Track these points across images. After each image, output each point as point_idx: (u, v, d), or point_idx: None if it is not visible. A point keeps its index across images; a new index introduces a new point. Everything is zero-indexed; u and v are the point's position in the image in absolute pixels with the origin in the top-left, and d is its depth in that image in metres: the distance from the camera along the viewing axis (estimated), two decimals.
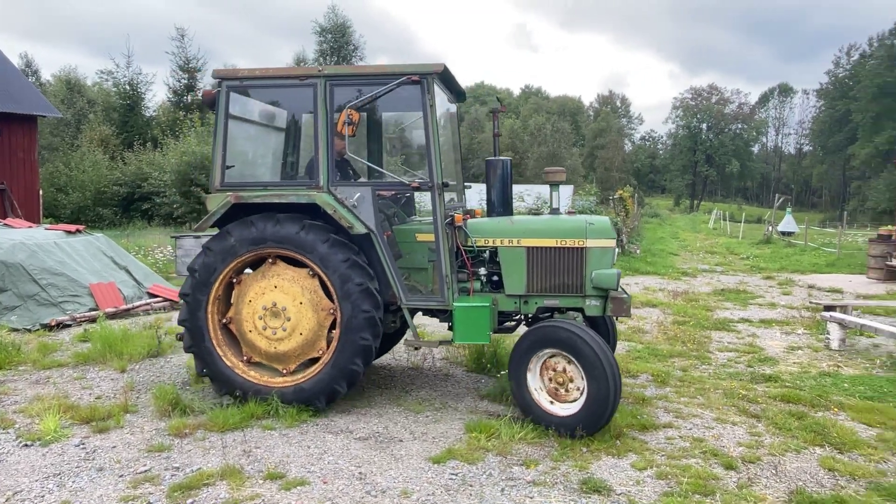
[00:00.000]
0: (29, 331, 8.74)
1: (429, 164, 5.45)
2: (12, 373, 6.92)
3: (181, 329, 5.90)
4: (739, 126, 74.82)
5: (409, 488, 4.30)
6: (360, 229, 5.46)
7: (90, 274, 10.07)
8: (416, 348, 7.19)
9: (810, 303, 11.22)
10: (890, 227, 17.67)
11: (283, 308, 5.60)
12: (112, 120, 39.61)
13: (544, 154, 52.98)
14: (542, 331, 5.22)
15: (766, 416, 5.66)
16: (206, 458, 4.76)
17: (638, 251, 20.08)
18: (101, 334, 7.71)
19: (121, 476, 4.45)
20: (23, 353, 7.48)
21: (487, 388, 6.49)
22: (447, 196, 5.94)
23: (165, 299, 10.68)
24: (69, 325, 9.11)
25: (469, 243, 5.77)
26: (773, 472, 4.58)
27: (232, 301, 5.84)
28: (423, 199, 6.11)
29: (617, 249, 5.67)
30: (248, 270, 5.92)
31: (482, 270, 5.87)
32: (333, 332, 5.61)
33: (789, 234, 27.70)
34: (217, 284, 5.70)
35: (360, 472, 4.54)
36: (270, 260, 5.67)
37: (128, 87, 39.82)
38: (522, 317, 6.13)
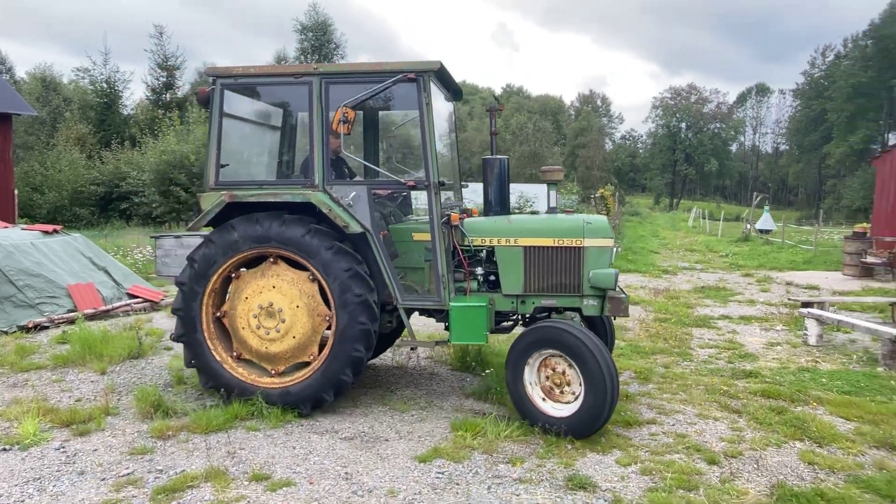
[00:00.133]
0: (6, 333, 8.58)
1: (425, 162, 5.40)
2: None
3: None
4: (718, 125, 75.73)
5: (396, 487, 4.29)
6: (355, 228, 5.41)
7: (68, 275, 9.92)
8: (412, 348, 7.14)
9: (788, 299, 11.40)
10: (864, 224, 18.02)
11: (280, 309, 5.55)
12: (89, 118, 39.01)
13: (526, 153, 53.11)
14: (549, 332, 5.12)
15: (747, 412, 5.74)
16: (190, 459, 4.71)
17: (619, 249, 20.25)
18: (81, 336, 7.61)
19: (103, 479, 4.39)
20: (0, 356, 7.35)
21: (472, 386, 6.51)
22: (444, 195, 5.90)
23: (145, 300, 10.55)
24: (47, 327, 8.96)
25: (466, 242, 5.73)
26: (755, 466, 4.66)
27: (228, 295, 5.77)
28: (420, 198, 6.06)
29: (615, 248, 5.66)
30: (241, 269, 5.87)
31: (479, 270, 5.82)
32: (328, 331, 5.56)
33: (767, 231, 28.10)
34: (215, 277, 5.64)
35: (346, 472, 4.53)
36: (272, 259, 5.61)
37: (105, 85, 39.25)
38: (519, 317, 6.09)
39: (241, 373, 5.69)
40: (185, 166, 26.30)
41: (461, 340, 5.49)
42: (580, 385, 5.02)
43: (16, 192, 22.10)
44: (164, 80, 39.83)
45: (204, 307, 5.68)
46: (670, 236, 30.79)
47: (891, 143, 29.31)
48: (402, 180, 5.60)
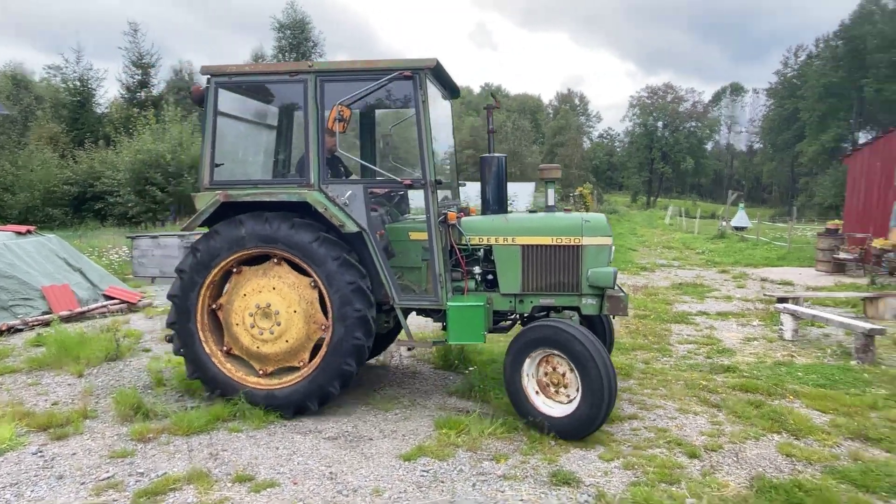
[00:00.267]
0: None
1: (421, 161, 5.33)
2: None
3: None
4: (693, 124, 76.62)
5: (381, 486, 4.29)
6: (351, 228, 5.35)
7: (42, 276, 9.74)
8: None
9: (764, 295, 11.59)
10: (837, 221, 18.40)
11: (276, 312, 5.49)
12: (61, 117, 38.32)
13: (505, 152, 53.30)
14: (561, 335, 4.99)
15: (726, 406, 5.83)
16: (172, 462, 4.66)
17: None
18: (56, 338, 7.48)
19: (82, 483, 4.33)
20: None
21: (455, 384, 6.52)
22: (441, 194, 5.85)
23: (122, 301, 10.40)
24: (21, 330, 8.79)
25: (463, 241, 5.69)
26: (735, 459, 4.73)
27: (226, 289, 5.71)
28: (418, 197, 5.97)
29: (613, 247, 5.62)
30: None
31: (477, 269, 5.77)
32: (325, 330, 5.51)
33: (742, 229, 28.52)
34: (217, 270, 5.56)
35: (330, 472, 4.51)
36: (275, 260, 5.55)
37: (78, 83, 38.61)
38: (518, 316, 6.05)
39: (229, 368, 5.63)
40: (160, 165, 26.00)
41: (459, 340, 5.42)
42: (577, 391, 5.00)
43: None
44: (139, 77, 39.33)
45: (201, 298, 5.61)
46: (648, 234, 31.10)
47: (861, 141, 29.93)
48: (399, 179, 5.52)
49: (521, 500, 4.11)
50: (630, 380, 6.67)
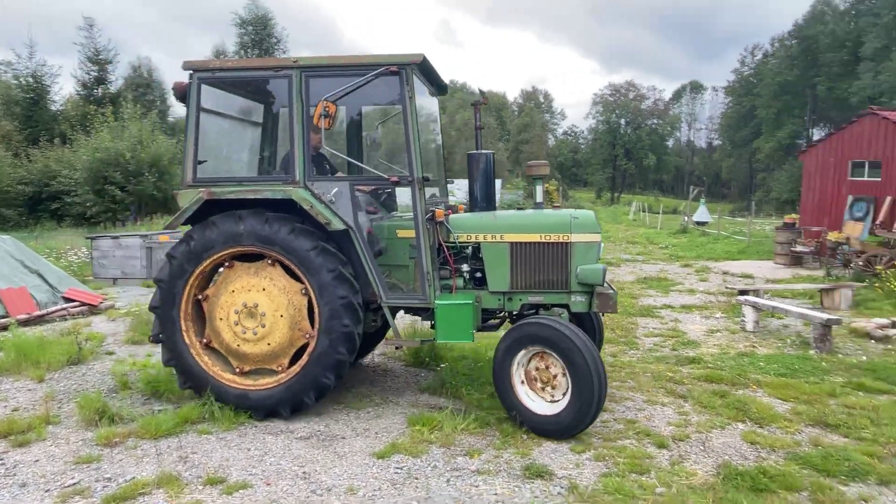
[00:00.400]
0: None
1: (408, 158, 5.27)
2: None
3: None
4: (655, 121, 77.89)
5: (355, 485, 4.28)
6: (337, 225, 5.27)
7: None
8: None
9: (726, 288, 11.89)
10: (793, 215, 18.94)
11: (263, 313, 5.40)
12: (14, 114, 36.94)
13: (471, 149, 53.43)
14: (557, 337, 4.91)
15: (692, 396, 5.97)
16: (140, 466, 4.57)
17: None
18: (14, 342, 7.25)
19: (47, 491, 4.21)
20: None
21: (427, 381, 6.54)
22: (429, 191, 5.79)
23: (83, 304, 10.12)
24: None
25: (451, 239, 5.64)
26: (702, 448, 4.86)
27: (215, 281, 5.60)
28: (405, 195, 5.86)
29: (602, 244, 5.59)
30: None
31: (465, 267, 5.71)
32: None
33: (703, 223, 29.17)
34: (208, 262, 5.45)
35: (303, 472, 4.48)
36: (269, 261, 5.44)
37: (31, 80, 37.27)
38: (507, 314, 5.99)
39: (206, 361, 5.54)
40: (120, 164, 25.37)
41: (447, 339, 5.36)
42: (564, 395, 4.97)
43: None
44: (96, 74, 38.23)
45: (188, 286, 5.50)
46: (612, 229, 31.57)
47: (815, 138, 30.85)
48: (385, 176, 5.46)
49: (496, 494, 4.14)
50: None
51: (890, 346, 7.85)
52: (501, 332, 5.54)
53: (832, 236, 15.09)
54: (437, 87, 6.51)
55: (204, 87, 5.59)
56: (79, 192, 26.18)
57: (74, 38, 69.77)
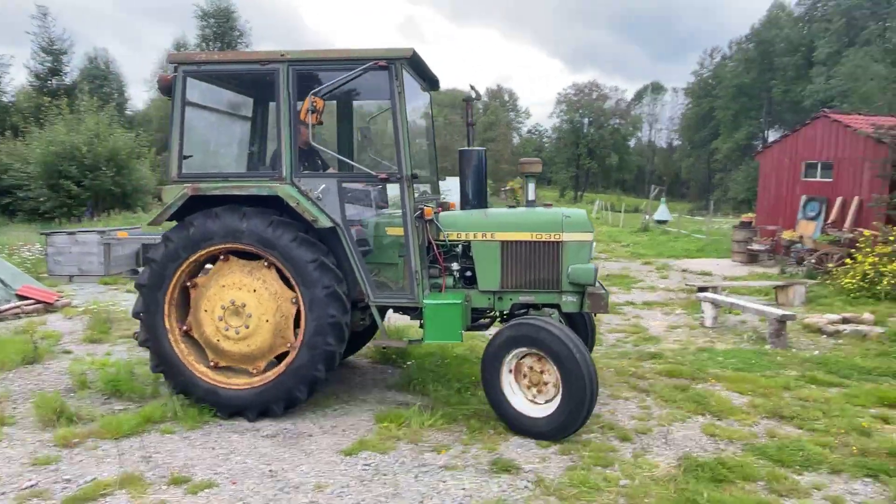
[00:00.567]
0: None
1: (397, 154, 5.18)
2: None
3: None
4: (617, 121, 79.09)
5: (323, 482, 4.27)
6: (324, 223, 5.18)
7: None
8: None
9: (686, 285, 12.18)
10: (750, 214, 19.49)
11: (249, 314, 5.31)
12: None
13: (438, 147, 53.47)
14: (557, 346, 4.81)
15: (654, 391, 6.12)
16: (101, 467, 4.47)
17: None
18: None
19: (3, 493, 4.09)
20: None
21: (394, 378, 6.54)
22: (422, 188, 5.72)
23: (38, 301, 9.82)
24: None
25: (441, 237, 5.57)
26: (664, 440, 4.98)
27: (206, 272, 5.50)
28: (395, 192, 5.75)
29: (594, 243, 5.54)
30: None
31: (455, 266, 5.63)
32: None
33: (664, 222, 29.78)
34: (204, 252, 5.33)
35: (270, 470, 4.45)
36: (266, 263, 5.33)
37: None
38: (497, 314, 5.93)
39: (182, 349, 5.45)
40: (76, 158, 24.63)
41: (435, 339, 5.28)
42: (555, 398, 4.92)
43: None
44: (50, 65, 37.03)
45: (179, 272, 5.37)
46: None
47: (770, 139, 31.76)
48: (374, 173, 5.36)
49: (463, 488, 4.18)
50: None
51: (841, 341, 8.16)
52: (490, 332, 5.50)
53: (786, 235, 15.58)
54: (429, 81, 6.42)
55: (190, 81, 5.47)
56: (32, 187, 25.34)
57: (27, 27, 67.40)
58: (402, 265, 5.50)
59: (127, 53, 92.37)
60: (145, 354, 7.22)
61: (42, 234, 14.03)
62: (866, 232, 12.02)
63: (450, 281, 5.67)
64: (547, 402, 5.00)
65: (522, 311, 5.62)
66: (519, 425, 5.02)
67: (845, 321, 8.74)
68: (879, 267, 10.54)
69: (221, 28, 45.18)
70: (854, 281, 10.71)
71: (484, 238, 5.53)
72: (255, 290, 5.33)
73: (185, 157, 5.49)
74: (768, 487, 4.21)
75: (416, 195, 5.47)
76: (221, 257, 5.42)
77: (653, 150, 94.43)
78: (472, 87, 6.22)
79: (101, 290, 11.90)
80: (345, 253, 5.33)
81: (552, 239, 5.41)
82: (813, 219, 15.69)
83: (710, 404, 5.70)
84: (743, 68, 59.46)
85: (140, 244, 13.74)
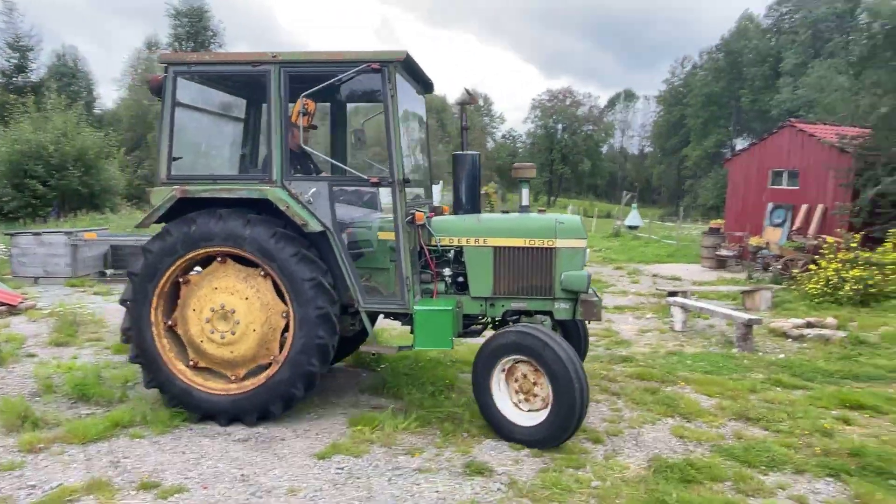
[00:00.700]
0: None
1: (390, 158, 5.12)
2: None
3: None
4: (590, 128, 79.97)
5: (296, 486, 4.25)
6: (314, 227, 5.11)
7: None
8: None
9: (656, 290, 12.36)
10: (719, 220, 19.88)
11: (237, 321, 5.22)
12: None
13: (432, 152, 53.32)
14: (549, 356, 4.75)
15: (625, 393, 6.20)
16: (68, 472, 4.39)
17: None
18: None
19: None
20: None
21: (368, 381, 6.53)
22: (414, 192, 5.68)
23: (1, 304, 9.58)
24: None
25: (433, 242, 5.50)
26: (634, 442, 5.06)
27: (200, 270, 5.41)
28: (387, 196, 5.62)
29: (588, 250, 5.49)
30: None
31: (446, 271, 5.58)
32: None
33: (635, 227, 30.18)
34: (202, 252, 5.24)
35: (242, 474, 4.41)
36: (262, 272, 5.24)
37: None
38: (489, 320, 5.87)
39: (164, 344, 5.37)
40: (42, 157, 24.05)
41: (426, 346, 5.22)
42: (546, 407, 4.87)
43: None
44: (17, 61, 36.20)
45: (173, 267, 5.27)
46: None
47: (739, 147, 32.42)
48: (365, 177, 5.31)
49: (437, 491, 4.20)
50: None
51: (805, 345, 8.37)
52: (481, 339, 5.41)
53: (753, 241, 15.94)
54: (423, 84, 6.40)
55: (180, 81, 5.40)
56: None
57: None
58: (393, 270, 5.44)
59: (97, 52, 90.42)
60: (113, 358, 7.15)
61: (6, 234, 13.69)
62: (830, 239, 12.36)
63: (441, 287, 5.61)
64: (537, 410, 4.96)
65: (515, 317, 5.57)
66: (509, 433, 4.96)
67: (809, 325, 8.97)
68: (842, 273, 10.83)
69: (194, 27, 44.63)
70: (818, 286, 10.99)
71: (476, 243, 5.48)
72: (247, 298, 5.25)
73: (175, 159, 5.42)
74: (735, 487, 4.30)
75: (409, 199, 5.44)
76: (219, 259, 5.35)
77: (625, 157, 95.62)
78: (467, 91, 6.15)
79: (68, 292, 11.64)
80: (335, 257, 5.28)
81: (545, 245, 5.35)
82: (779, 225, 16.07)
83: (680, 406, 5.80)
84: (713, 77, 60.60)
85: (108, 245, 13.50)
